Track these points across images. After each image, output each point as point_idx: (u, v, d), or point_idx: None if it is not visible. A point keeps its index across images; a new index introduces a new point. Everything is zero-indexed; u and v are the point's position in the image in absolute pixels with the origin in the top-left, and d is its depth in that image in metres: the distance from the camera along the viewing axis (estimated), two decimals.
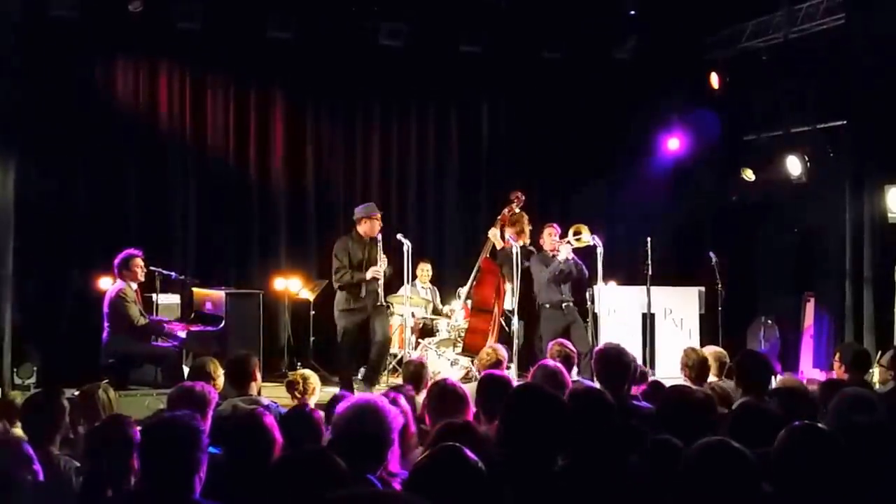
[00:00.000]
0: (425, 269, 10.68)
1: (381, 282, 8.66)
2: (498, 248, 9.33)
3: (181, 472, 3.12)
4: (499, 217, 9.47)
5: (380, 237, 8.74)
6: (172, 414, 3.48)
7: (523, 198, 9.64)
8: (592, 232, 9.36)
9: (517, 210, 9.48)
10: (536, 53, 11.49)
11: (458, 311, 10.08)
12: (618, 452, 3.62)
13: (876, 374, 7.31)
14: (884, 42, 9.29)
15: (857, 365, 6.58)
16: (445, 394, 4.57)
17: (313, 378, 5.89)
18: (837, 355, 6.82)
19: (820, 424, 3.20)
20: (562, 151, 11.81)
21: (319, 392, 5.99)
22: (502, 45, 11.30)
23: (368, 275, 8.60)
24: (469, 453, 2.77)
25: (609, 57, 11.54)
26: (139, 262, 8.46)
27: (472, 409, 4.57)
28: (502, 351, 6.50)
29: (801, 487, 2.91)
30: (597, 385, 4.65)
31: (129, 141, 10.47)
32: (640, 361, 6.60)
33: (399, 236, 8.80)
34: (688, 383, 5.89)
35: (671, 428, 3.84)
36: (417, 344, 9.87)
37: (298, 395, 5.73)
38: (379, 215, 8.87)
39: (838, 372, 6.63)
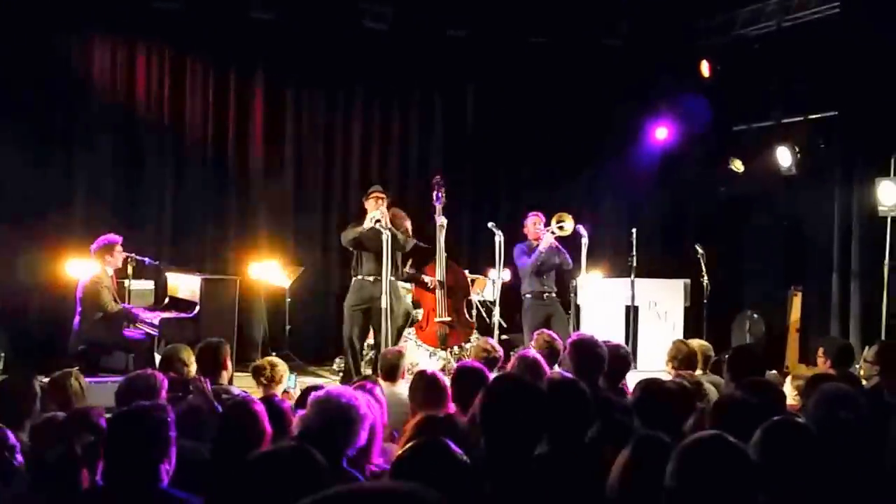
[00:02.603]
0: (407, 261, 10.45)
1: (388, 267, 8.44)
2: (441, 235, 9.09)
3: (147, 462, 3.12)
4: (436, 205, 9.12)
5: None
6: (139, 404, 3.46)
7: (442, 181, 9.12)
8: (578, 222, 9.20)
9: (443, 195, 9.08)
10: (524, 38, 11.32)
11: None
12: (595, 441, 3.68)
13: (861, 369, 7.20)
14: (878, 32, 9.18)
15: (841, 359, 6.53)
16: (428, 385, 4.61)
17: (281, 366, 5.75)
18: (821, 350, 6.76)
19: (799, 419, 3.25)
20: (548, 139, 11.65)
21: (288, 381, 5.86)
22: (489, 30, 11.13)
23: (367, 223, 8.42)
24: (454, 447, 2.73)
25: (598, 43, 11.38)
26: (120, 248, 8.39)
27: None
28: (498, 348, 6.39)
29: (779, 482, 2.90)
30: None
31: (104, 122, 10.26)
32: None
33: (378, 224, 8.59)
34: (673, 375, 5.81)
35: (646, 419, 3.94)
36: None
37: (265, 382, 5.59)
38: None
39: (822, 366, 6.58)
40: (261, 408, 3.82)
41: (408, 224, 9.10)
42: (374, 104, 11.48)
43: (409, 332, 9.86)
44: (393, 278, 8.50)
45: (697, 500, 2.56)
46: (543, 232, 9.14)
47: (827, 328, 9.98)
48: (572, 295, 9.50)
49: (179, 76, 10.63)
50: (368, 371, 9.24)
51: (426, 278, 9.06)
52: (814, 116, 10.19)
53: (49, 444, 3.72)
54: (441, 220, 8.94)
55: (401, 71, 11.39)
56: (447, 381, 4.77)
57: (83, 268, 8.50)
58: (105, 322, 8.20)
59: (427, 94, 11.67)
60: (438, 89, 11.68)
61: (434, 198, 8.90)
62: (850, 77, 9.56)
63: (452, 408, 4.57)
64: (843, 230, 9.90)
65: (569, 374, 4.62)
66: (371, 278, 8.60)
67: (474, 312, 9.53)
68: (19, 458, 3.88)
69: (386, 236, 8.29)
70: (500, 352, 6.37)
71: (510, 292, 9.56)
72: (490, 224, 8.88)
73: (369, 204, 8.65)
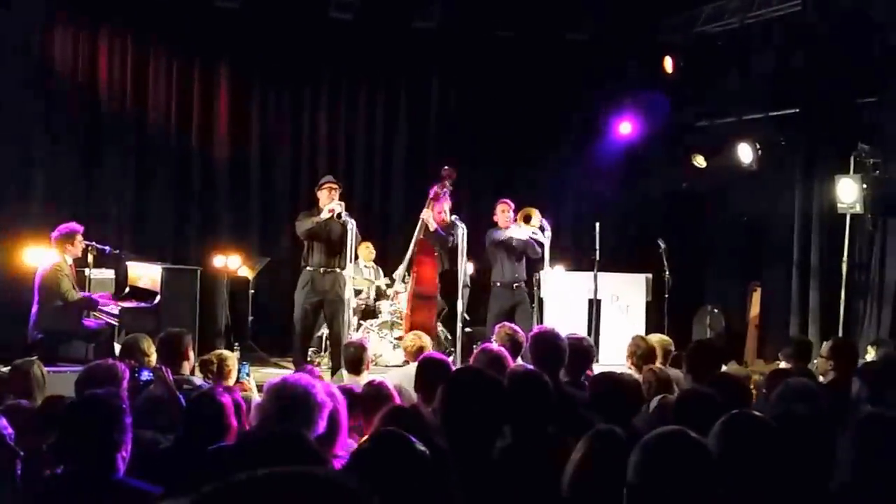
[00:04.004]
0: (367, 248, 10.46)
1: (351, 256, 8.43)
2: (431, 229, 9.08)
3: (102, 451, 3.09)
4: (430, 196, 9.16)
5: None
6: (94, 392, 3.43)
7: (454, 174, 9.23)
8: (541, 215, 9.24)
9: (450, 187, 9.16)
10: (490, 31, 11.31)
11: (401, 294, 9.89)
12: (557, 435, 3.67)
13: (817, 364, 7.30)
14: (838, 30, 9.28)
15: (799, 355, 6.61)
16: (376, 395, 4.53)
17: (231, 360, 5.68)
18: (781, 354, 6.82)
19: (756, 413, 3.23)
20: (512, 132, 11.66)
21: (242, 373, 5.82)
22: (456, 22, 11.10)
23: (324, 214, 8.40)
24: (413, 439, 2.70)
25: (564, 38, 11.40)
26: (80, 237, 8.27)
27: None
28: (426, 337, 6.51)
29: (737, 475, 2.89)
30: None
31: (65, 108, 10.14)
32: None
33: (343, 214, 8.56)
34: (632, 371, 5.84)
35: (600, 412, 4.01)
36: (359, 325, 9.69)
37: (211, 378, 5.51)
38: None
39: (782, 362, 6.64)
40: (227, 400, 3.79)
41: (447, 207, 9.03)
42: (340, 94, 11.44)
43: (372, 324, 9.87)
44: (339, 270, 8.50)
45: (659, 495, 2.58)
46: (512, 222, 9.15)
47: (786, 324, 10.08)
48: (535, 288, 9.52)
49: (142, 63, 10.51)
50: (322, 363, 9.27)
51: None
52: (775, 113, 10.29)
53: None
54: (424, 213, 8.95)
55: (366, 62, 11.34)
56: (392, 389, 4.69)
57: (42, 256, 8.39)
58: (64, 310, 8.09)
59: (392, 86, 11.63)
60: (404, 81, 11.66)
61: (433, 188, 8.87)
62: (811, 74, 9.67)
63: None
64: (802, 226, 10.00)
65: (531, 367, 4.65)
66: (321, 270, 8.56)
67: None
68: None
69: (351, 226, 8.28)
70: (427, 341, 6.47)
71: (475, 284, 9.59)
72: (453, 217, 8.87)
73: (322, 194, 8.62)
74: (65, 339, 8.23)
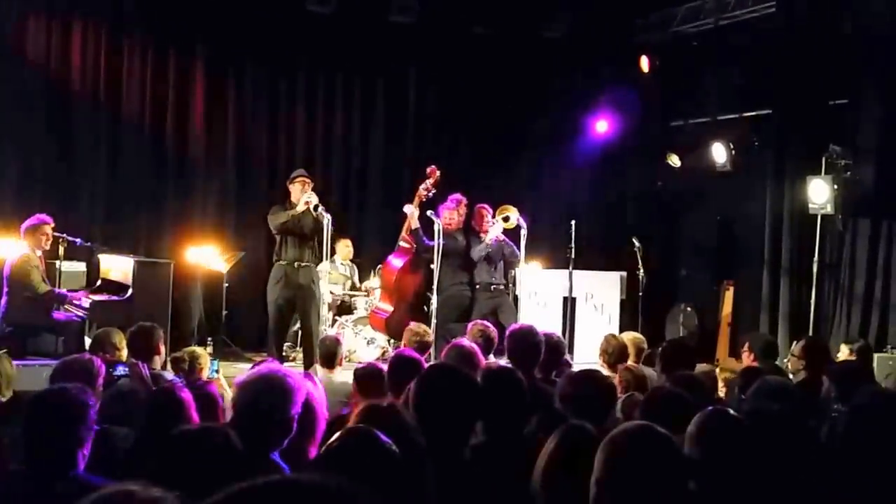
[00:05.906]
0: (346, 246, 10.42)
1: (327, 251, 8.42)
2: (413, 226, 9.04)
3: (63, 446, 3.05)
4: (416, 193, 9.15)
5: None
6: (59, 386, 3.38)
7: (438, 173, 9.21)
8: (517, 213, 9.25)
9: (431, 186, 9.10)
10: (468, 28, 11.31)
11: (377, 290, 9.88)
12: (533, 432, 3.67)
13: (789, 363, 7.35)
14: (811, 31, 9.36)
15: (765, 355, 6.66)
16: (369, 376, 4.63)
17: (203, 357, 5.65)
18: (746, 345, 6.87)
19: (730, 411, 3.25)
20: (489, 129, 11.66)
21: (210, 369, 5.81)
22: (433, 18, 11.09)
23: (300, 207, 8.35)
24: (382, 436, 2.68)
25: (540, 36, 11.42)
26: (47, 229, 8.15)
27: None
28: (430, 332, 6.49)
29: (713, 471, 2.92)
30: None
31: (37, 99, 10.00)
32: None
33: (320, 210, 8.53)
34: (604, 369, 5.86)
35: (575, 409, 3.97)
36: (334, 321, 9.66)
37: (182, 374, 5.48)
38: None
39: (746, 361, 6.68)
40: (188, 395, 3.74)
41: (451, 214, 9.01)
42: (317, 88, 11.39)
43: (347, 320, 9.85)
44: (311, 264, 8.48)
45: (626, 491, 2.59)
46: (491, 224, 9.14)
47: (757, 323, 10.15)
48: (511, 286, 9.54)
49: (117, 54, 10.39)
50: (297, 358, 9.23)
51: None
52: (748, 114, 10.37)
53: None
54: (407, 209, 8.92)
55: (343, 55, 11.30)
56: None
57: (11, 247, 8.30)
58: (33, 303, 7.99)
59: (369, 80, 11.60)
60: (381, 75, 11.63)
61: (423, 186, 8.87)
62: (784, 76, 9.75)
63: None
64: (774, 227, 10.07)
65: (505, 364, 4.66)
66: (295, 264, 8.52)
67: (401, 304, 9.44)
68: None
69: (327, 220, 8.25)
70: (432, 336, 6.46)
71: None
72: (429, 212, 8.85)
73: (294, 188, 8.58)
74: (34, 333, 8.16)
